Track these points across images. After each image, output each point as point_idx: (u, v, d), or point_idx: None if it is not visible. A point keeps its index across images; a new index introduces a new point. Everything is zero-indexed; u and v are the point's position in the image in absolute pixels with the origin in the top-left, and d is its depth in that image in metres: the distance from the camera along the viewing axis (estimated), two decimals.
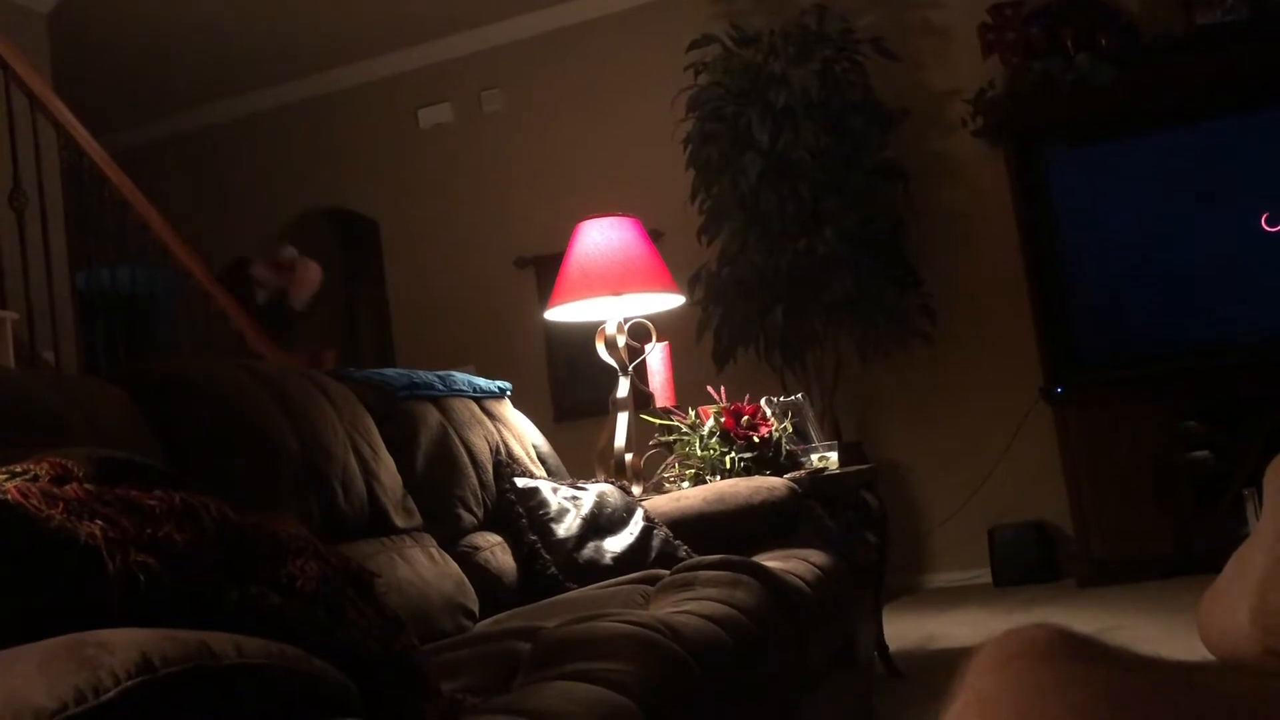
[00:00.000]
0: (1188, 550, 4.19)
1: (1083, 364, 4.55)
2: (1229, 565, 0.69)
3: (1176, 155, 4.52)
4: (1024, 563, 4.70)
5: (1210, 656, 0.65)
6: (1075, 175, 4.67)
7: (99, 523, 0.91)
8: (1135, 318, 4.55)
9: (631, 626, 1.39)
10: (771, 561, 2.11)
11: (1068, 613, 3.87)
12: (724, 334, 4.86)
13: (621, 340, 3.04)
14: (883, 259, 4.77)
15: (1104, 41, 4.61)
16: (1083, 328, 4.59)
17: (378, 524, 2.05)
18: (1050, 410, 4.54)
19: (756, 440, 2.88)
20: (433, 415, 2.41)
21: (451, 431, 2.42)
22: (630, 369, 3.07)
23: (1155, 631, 3.31)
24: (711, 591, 1.74)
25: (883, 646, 3.20)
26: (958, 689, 0.47)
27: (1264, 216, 4.33)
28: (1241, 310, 4.39)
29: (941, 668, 3.35)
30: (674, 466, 2.98)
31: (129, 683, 0.77)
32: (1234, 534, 4.16)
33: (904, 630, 3.79)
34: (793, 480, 2.65)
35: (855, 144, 4.76)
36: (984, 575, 4.81)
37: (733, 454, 2.86)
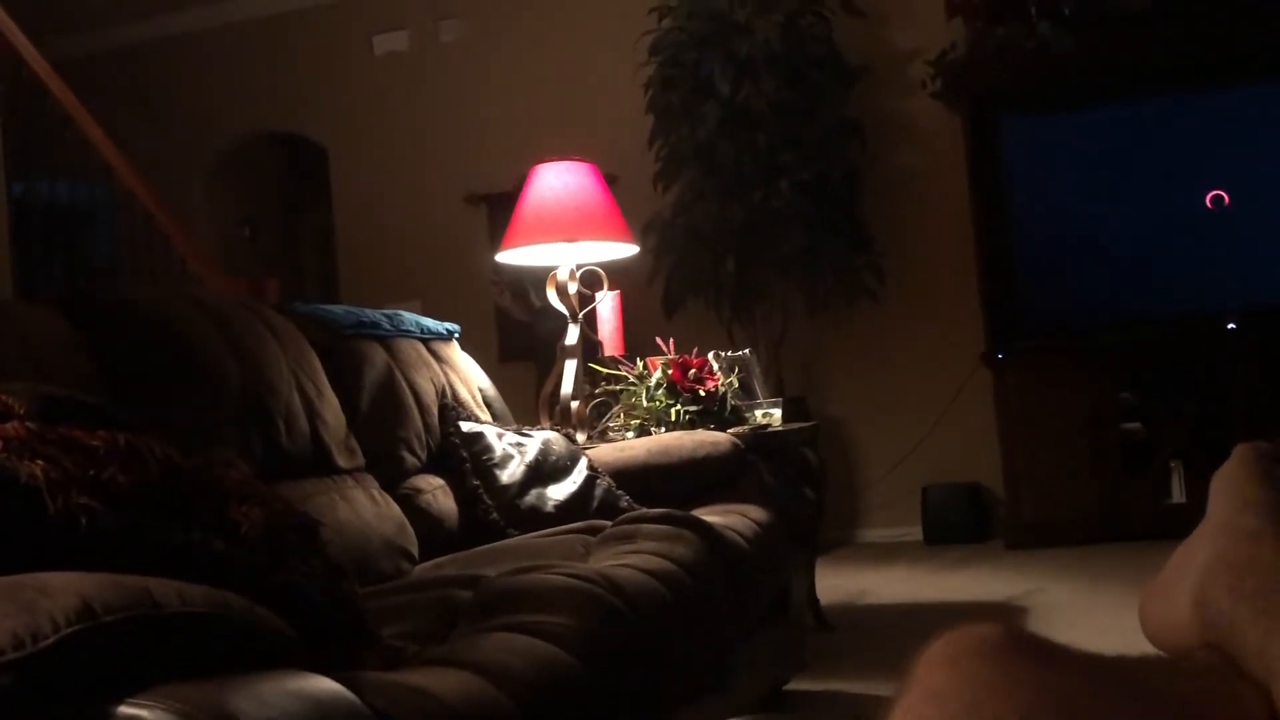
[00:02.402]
0: (1114, 517, 4.32)
1: (1025, 331, 4.63)
2: (1172, 559, 0.71)
3: (1130, 128, 4.58)
4: (955, 523, 4.81)
5: (1150, 648, 0.67)
6: (1030, 143, 4.71)
7: (40, 463, 0.89)
8: (1079, 288, 4.63)
9: (573, 579, 1.40)
10: (712, 516, 2.13)
11: (994, 573, 3.98)
12: (675, 282, 4.86)
13: (573, 287, 3.02)
14: (836, 216, 4.79)
15: (1067, 10, 4.63)
16: (1027, 295, 4.66)
17: (320, 463, 2.04)
18: (990, 375, 4.62)
19: (703, 394, 2.90)
20: (379, 355, 2.39)
21: (397, 372, 2.40)
22: (580, 316, 3.06)
23: (1076, 598, 3.42)
24: (652, 545, 1.76)
25: (814, 600, 3.26)
26: (906, 683, 0.48)
27: (1209, 195, 4.40)
28: (1182, 287, 4.48)
29: (870, 622, 3.43)
30: (619, 416, 2.98)
31: (68, 630, 0.76)
32: (1159, 504, 4.29)
33: (836, 584, 3.87)
34: (736, 436, 2.67)
35: (815, 99, 4.75)
36: (915, 533, 4.91)
37: (679, 407, 2.87)
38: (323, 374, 2.16)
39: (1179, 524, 0.79)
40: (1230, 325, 4.34)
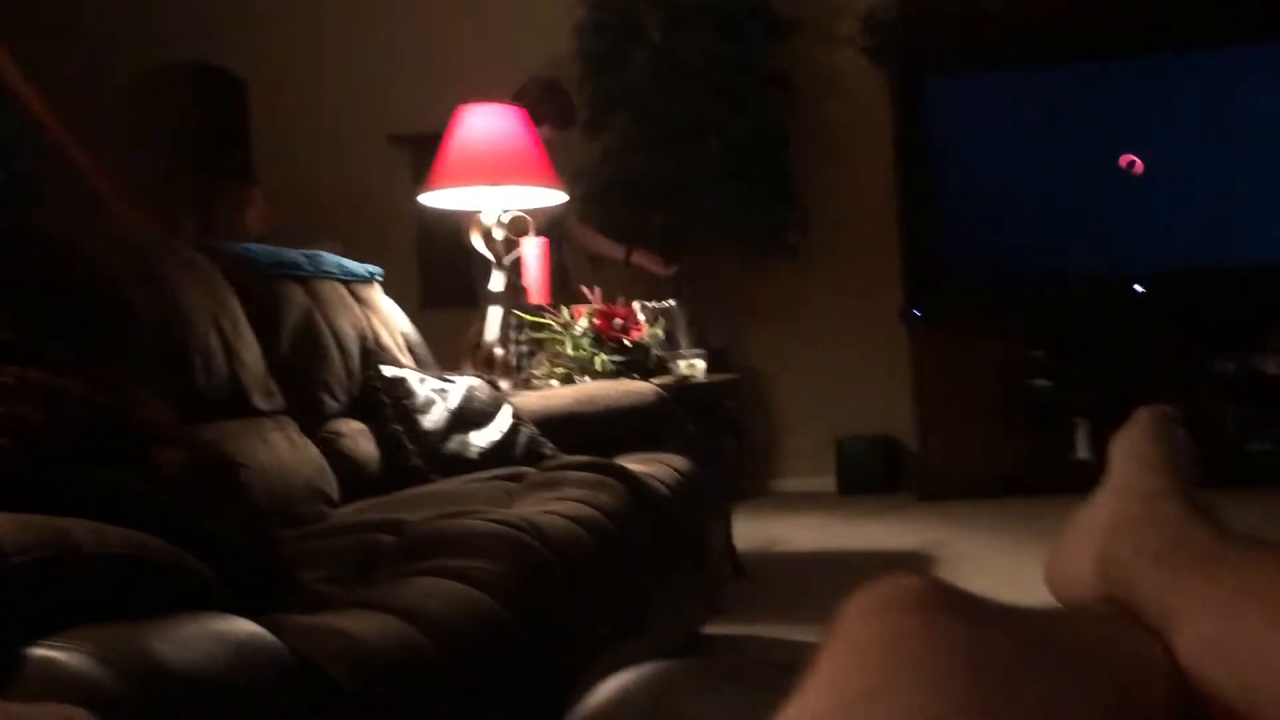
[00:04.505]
0: (1022, 472, 4.46)
1: (942, 288, 4.71)
2: (1076, 518, 0.74)
3: (1053, 92, 4.66)
4: (868, 474, 4.92)
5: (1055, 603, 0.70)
6: (955, 103, 4.77)
7: None
8: (997, 248, 4.72)
9: (497, 525, 1.41)
10: (635, 464, 2.14)
11: (905, 524, 4.09)
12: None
13: (499, 233, 2.99)
14: (764, 170, 4.81)
15: None
16: (946, 253, 4.74)
17: (238, 404, 2.00)
18: (906, 330, 4.71)
19: (627, 344, 2.91)
20: (299, 296, 2.35)
21: (318, 314, 2.36)
22: (506, 262, 3.03)
23: (983, 549, 3.52)
24: (576, 492, 1.77)
25: (731, 547, 3.32)
26: (829, 635, 0.49)
27: (1124, 160, 4.51)
28: (1096, 249, 4.60)
29: (784, 569, 3.51)
30: (544, 364, 2.98)
31: None
32: (1066, 459, 4.43)
33: (751, 532, 3.94)
34: (660, 386, 2.69)
35: (747, 51, 4.74)
36: (829, 484, 5.01)
37: (603, 356, 2.88)
38: (241, 314, 2.11)
39: (1084, 480, 0.83)
40: (1138, 288, 4.48)
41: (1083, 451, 4.42)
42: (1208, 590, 0.53)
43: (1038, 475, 4.37)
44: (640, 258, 4.38)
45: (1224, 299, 4.43)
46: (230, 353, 2.00)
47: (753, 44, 4.74)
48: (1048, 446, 4.49)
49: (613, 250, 4.38)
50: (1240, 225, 4.48)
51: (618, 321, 2.98)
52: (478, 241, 3.01)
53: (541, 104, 3.75)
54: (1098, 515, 0.72)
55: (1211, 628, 0.51)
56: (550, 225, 3.76)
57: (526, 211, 3.07)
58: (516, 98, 3.67)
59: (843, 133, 5.09)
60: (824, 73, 5.09)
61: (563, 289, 3.50)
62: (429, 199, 3.07)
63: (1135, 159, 4.47)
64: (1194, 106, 4.54)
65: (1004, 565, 3.14)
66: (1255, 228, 4.46)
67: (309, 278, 2.42)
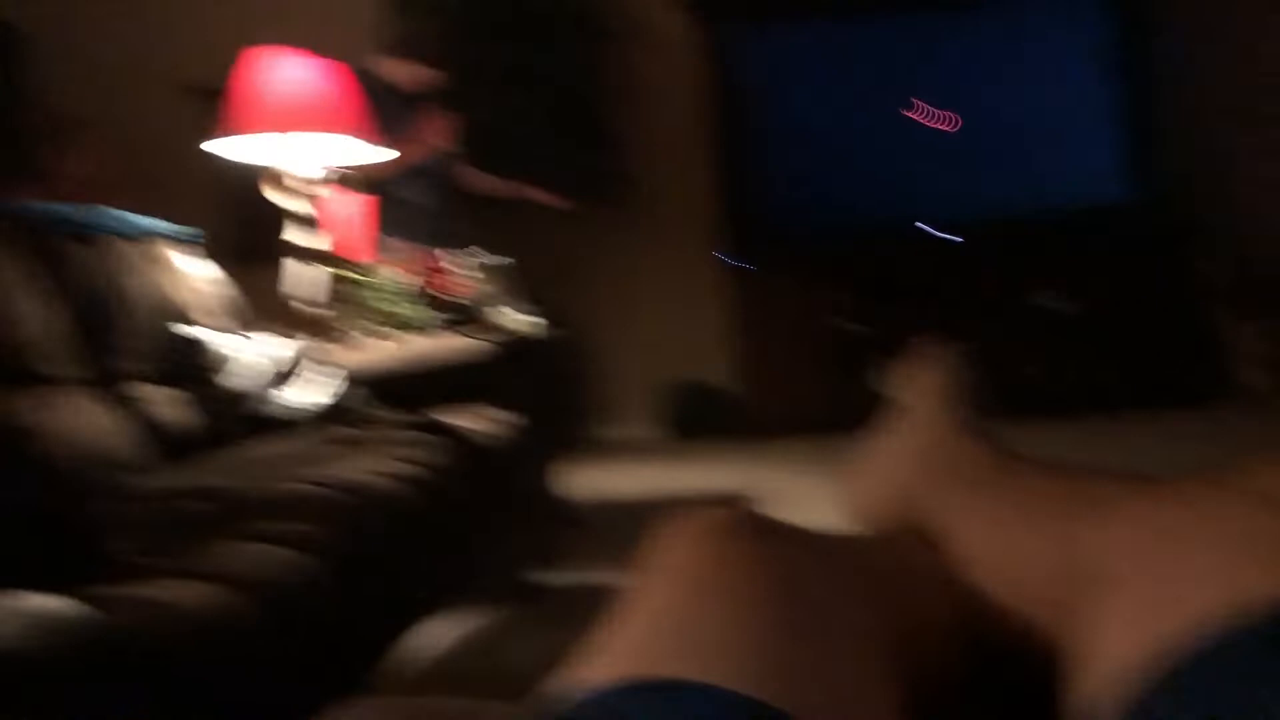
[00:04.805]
0: (840, 412, 4.64)
1: (762, 236, 4.83)
2: (874, 449, 0.79)
3: (872, 44, 4.80)
4: (695, 419, 5.04)
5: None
6: (774, 53, 4.85)
7: None
8: (815, 197, 4.87)
9: (316, 487, 1.37)
10: (462, 420, 2.13)
11: (730, 466, 4.20)
12: None
13: (313, 185, 2.89)
14: (582, 121, 4.79)
15: None
16: (766, 202, 4.85)
17: (28, 370, 1.88)
18: (728, 277, 4.81)
19: (453, 300, 2.87)
20: (91, 256, 2.21)
21: (113, 274, 2.23)
22: (320, 216, 2.93)
23: (804, 486, 3.66)
24: (399, 451, 1.74)
25: (561, 497, 3.34)
26: (642, 562, 0.51)
27: (939, 115, 4.69)
28: (912, 199, 4.79)
29: (616, 516, 3.56)
30: (367, 321, 2.90)
31: None
32: (879, 402, 4.64)
33: (583, 481, 3.98)
34: (488, 341, 2.67)
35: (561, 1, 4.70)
36: (658, 430, 5.10)
37: (429, 311, 2.83)
38: (27, 276, 1.98)
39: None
40: (948, 237, 4.71)
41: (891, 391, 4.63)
42: (975, 505, 0.58)
43: (856, 415, 4.56)
44: (534, 193, 4.29)
45: (1020, 243, 4.70)
46: (17, 316, 1.87)
47: None
48: (862, 387, 4.69)
49: (505, 188, 4.28)
50: (1027, 173, 4.74)
51: (444, 276, 2.93)
52: (282, 194, 2.89)
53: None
54: (893, 445, 0.76)
55: (978, 537, 0.56)
56: (430, 166, 3.70)
57: (346, 167, 2.97)
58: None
59: (663, 83, 5.11)
60: (641, 22, 5.09)
61: (438, 234, 3.46)
62: (232, 149, 2.92)
63: (939, 111, 4.66)
64: (1007, 62, 4.75)
65: (821, 499, 3.27)
66: (1043, 178, 4.73)
67: (102, 235, 2.28)
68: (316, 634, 1.16)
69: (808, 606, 0.46)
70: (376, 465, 1.64)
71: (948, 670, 0.53)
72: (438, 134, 3.81)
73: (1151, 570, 0.44)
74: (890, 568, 0.56)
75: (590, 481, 4.05)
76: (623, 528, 3.43)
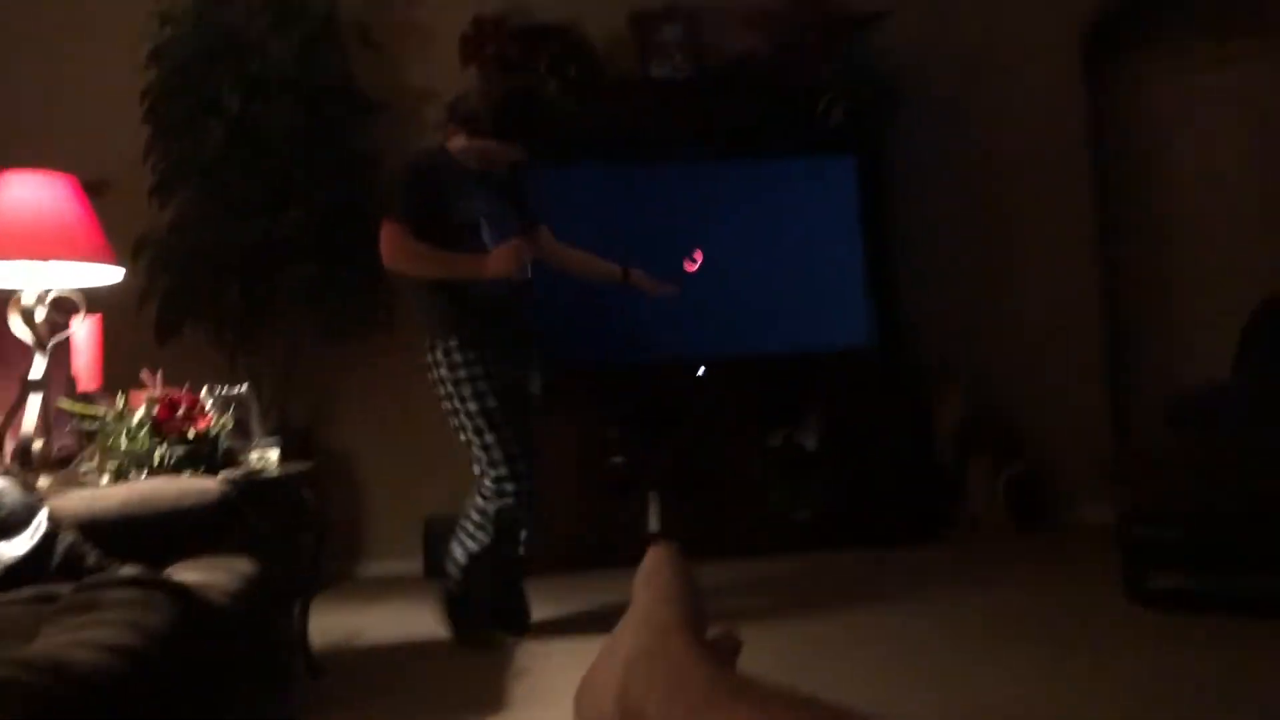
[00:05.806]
0: (603, 545, 4.67)
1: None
2: (602, 649, 0.79)
3: (626, 188, 5.00)
4: None
5: None
6: (540, 191, 4.98)
7: None
8: (576, 332, 4.96)
9: (8, 669, 1.25)
10: (193, 573, 2.00)
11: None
12: (170, 307, 4.52)
13: (41, 313, 2.71)
14: (350, 244, 4.73)
15: (573, 72, 4.96)
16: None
17: None
18: None
19: (192, 435, 2.72)
20: None
21: None
22: (50, 345, 2.74)
23: (565, 623, 3.64)
24: (117, 615, 1.61)
25: (307, 646, 3.17)
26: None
27: (687, 261, 4.91)
28: (665, 336, 4.96)
29: (363, 662, 3.40)
30: (94, 459, 2.71)
31: None
32: (641, 532, 4.70)
33: (332, 624, 3.80)
34: (227, 481, 2.53)
35: (331, 127, 4.67)
36: (417, 566, 4.95)
37: (165, 449, 2.67)
38: None
39: None
40: (701, 371, 4.89)
41: (654, 524, 4.71)
42: None
43: (618, 548, 4.60)
44: (639, 278, 3.92)
45: (772, 382, 4.94)
46: None
47: (337, 120, 4.69)
48: (625, 520, 4.75)
49: (605, 269, 3.94)
50: (781, 318, 5.02)
51: (181, 410, 2.78)
52: (16, 323, 2.70)
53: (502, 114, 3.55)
54: (619, 647, 0.77)
55: None
56: (523, 229, 3.54)
57: (76, 290, 2.81)
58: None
59: None
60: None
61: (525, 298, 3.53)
62: None
63: (696, 255, 4.88)
64: (745, 209, 5.06)
65: (583, 641, 3.25)
66: (793, 321, 5.02)
67: None
68: None
69: None
70: (88, 634, 1.51)
71: None
72: None
73: None
74: None
75: (343, 624, 3.88)
76: (371, 676, 3.28)
